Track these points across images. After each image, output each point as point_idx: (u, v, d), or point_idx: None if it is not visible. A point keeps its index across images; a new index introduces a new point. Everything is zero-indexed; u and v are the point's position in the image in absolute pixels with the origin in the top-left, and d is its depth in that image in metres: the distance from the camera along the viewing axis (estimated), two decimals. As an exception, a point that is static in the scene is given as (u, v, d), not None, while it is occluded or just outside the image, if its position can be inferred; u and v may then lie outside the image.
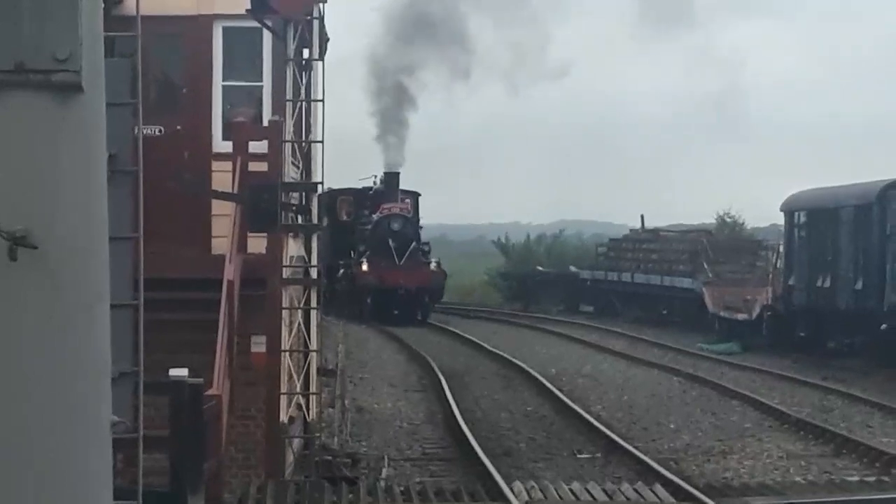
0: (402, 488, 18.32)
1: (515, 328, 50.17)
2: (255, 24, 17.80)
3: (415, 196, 54.96)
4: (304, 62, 15.67)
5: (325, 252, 50.59)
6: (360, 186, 55.51)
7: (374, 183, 54.95)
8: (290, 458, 15.18)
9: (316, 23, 17.71)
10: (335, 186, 53.92)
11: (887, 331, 35.85)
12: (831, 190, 41.92)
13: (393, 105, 60.02)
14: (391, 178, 54.22)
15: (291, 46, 16.37)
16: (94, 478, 7.29)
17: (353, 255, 50.97)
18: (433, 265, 51.18)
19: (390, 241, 49.02)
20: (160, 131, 18.29)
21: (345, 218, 54.01)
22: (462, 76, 64.36)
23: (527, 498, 16.68)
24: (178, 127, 18.40)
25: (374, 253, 49.14)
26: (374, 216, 50.88)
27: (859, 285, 38.09)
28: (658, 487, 18.13)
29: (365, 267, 48.98)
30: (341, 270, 51.24)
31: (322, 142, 14.83)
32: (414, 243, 49.93)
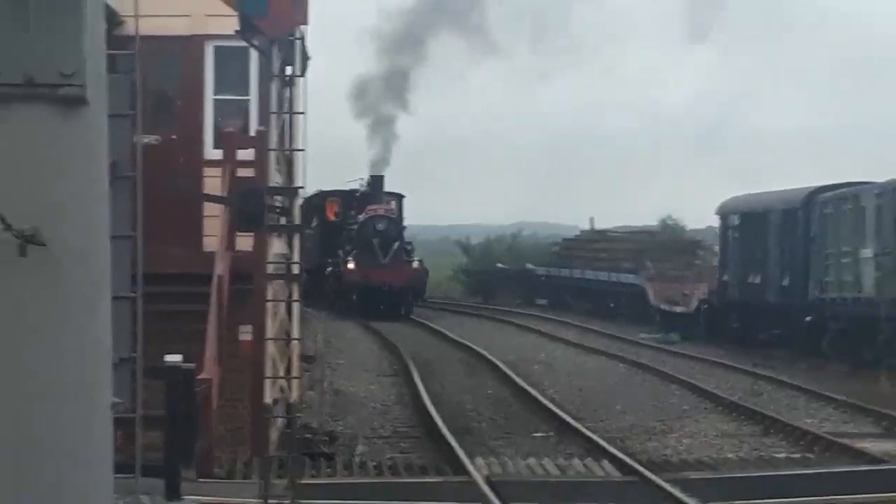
0: (374, 463, 18.32)
1: (477, 319, 50.13)
2: (243, 43, 17.78)
3: (399, 197, 54.28)
4: (287, 78, 15.62)
5: (314, 250, 50.51)
6: (347, 188, 54.70)
7: (361, 185, 54.37)
8: (273, 436, 15.16)
9: (298, 42, 17.68)
10: (325, 188, 54.00)
11: (810, 323, 36.08)
12: (761, 196, 42.08)
13: (379, 120, 60.05)
14: (376, 180, 53.89)
15: (276, 64, 16.33)
16: (96, 453, 7.26)
17: (340, 253, 50.13)
18: (416, 264, 50.48)
19: (375, 241, 48.37)
20: (157, 140, 18.24)
21: (333, 218, 53.16)
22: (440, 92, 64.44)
23: (487, 472, 16.66)
24: (174, 136, 18.38)
25: (360, 252, 48.36)
26: (360, 217, 50.19)
27: (786, 282, 38.29)
28: (605, 463, 18.17)
29: (351, 265, 48.29)
30: (329, 268, 50.77)
31: (303, 150, 14.79)
32: (397, 243, 49.31)
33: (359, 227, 49.67)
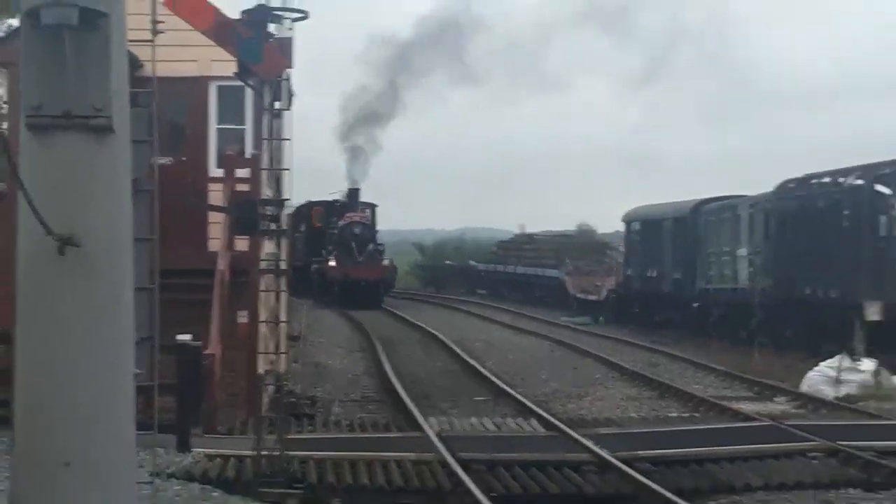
0: (347, 422, 18.31)
1: (431, 306, 50.12)
2: (240, 83, 17.72)
3: (373, 207, 53.73)
4: (275, 111, 15.56)
5: (302, 250, 50.69)
6: (330, 199, 54.16)
7: (341, 196, 53.86)
8: (265, 400, 15.09)
9: (285, 83, 17.63)
10: (312, 199, 53.98)
11: (697, 308, 36.38)
12: (658, 206, 42.29)
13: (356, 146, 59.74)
14: (353, 192, 53.35)
15: (267, 100, 16.27)
16: (121, 414, 7.25)
17: (324, 253, 49.81)
18: (386, 262, 50.11)
19: (352, 243, 48.16)
20: (170, 161, 18.18)
21: (318, 224, 52.66)
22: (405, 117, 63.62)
23: (438, 429, 16.68)
24: (184, 158, 18.31)
25: (340, 252, 48.11)
26: (340, 223, 49.93)
27: (678, 275, 38.55)
28: (533, 421, 18.22)
29: (332, 263, 47.95)
30: (314, 265, 50.28)
31: (288, 169, 14.72)
32: (371, 244, 49.12)
33: (339, 231, 49.39)
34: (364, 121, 59.08)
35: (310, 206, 53.37)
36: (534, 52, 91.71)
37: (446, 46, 58.05)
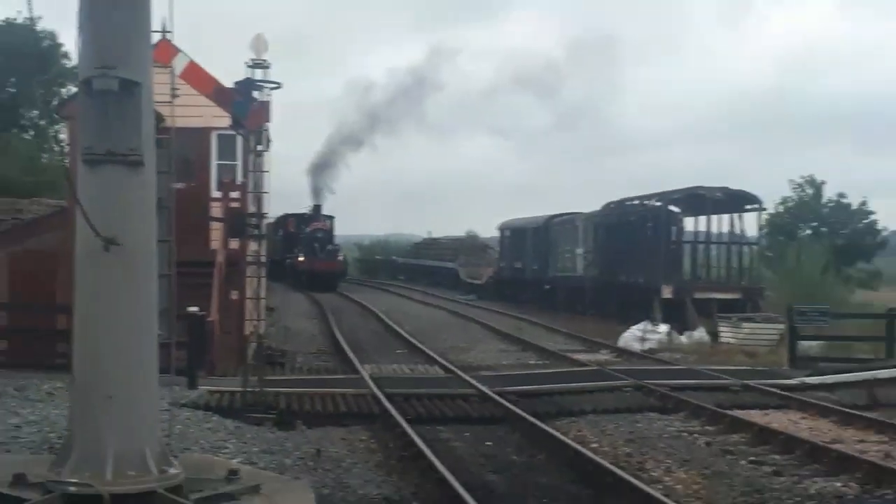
0: (308, 367, 18.25)
1: (367, 288, 49.72)
2: (233, 132, 17.57)
3: (331, 218, 52.37)
4: (258, 152, 15.43)
5: (279, 249, 49.48)
6: (300, 212, 52.52)
7: (308, 210, 52.63)
8: (249, 352, 14.97)
9: (265, 132, 17.53)
10: (288, 212, 52.69)
11: (548, 290, 36.69)
12: (522, 219, 42.53)
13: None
14: (316, 208, 52.59)
15: (252, 144, 16.14)
16: (148, 361, 7.19)
17: (295, 251, 48.60)
18: (341, 257, 49.06)
19: (315, 244, 46.99)
20: (183, 186, 17.94)
21: (291, 230, 51.20)
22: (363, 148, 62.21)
23: (370, 372, 16.68)
24: (192, 184, 18.03)
25: (307, 251, 47.03)
26: (307, 229, 48.77)
27: (535, 267, 38.84)
28: (436, 367, 18.29)
29: (301, 258, 47.01)
30: (287, 260, 49.18)
31: (268, 192, 14.60)
32: (329, 245, 47.79)
33: (306, 235, 48.38)
34: (342, 141, 58.62)
35: (286, 216, 52.22)
36: (477, 105, 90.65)
37: (411, 100, 57.79)
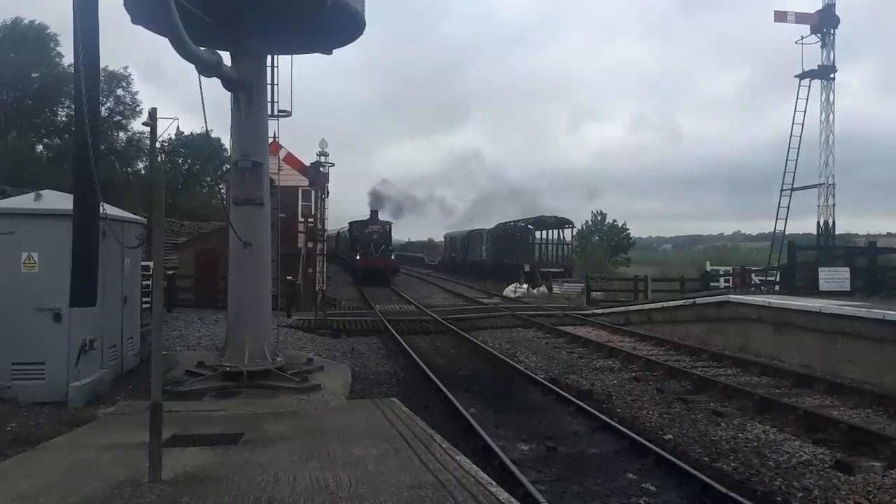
0: (348, 307, 17.91)
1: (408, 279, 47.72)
2: (310, 188, 17.26)
3: (389, 223, 36.45)
4: (322, 198, 15.17)
5: (347, 249, 38.98)
6: (362, 219, 37.65)
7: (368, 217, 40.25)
8: (318, 300, 14.75)
9: (327, 185, 17.30)
10: (354, 219, 41.03)
11: (468, 267, 36.11)
12: (456, 231, 42.05)
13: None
14: (374, 214, 36.76)
15: (319, 193, 15.90)
16: (266, 304, 7.09)
17: (357, 250, 35.17)
18: (393, 257, 34.30)
19: (371, 245, 33.52)
20: (284, 216, 17.47)
21: (355, 234, 36.98)
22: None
23: (379, 309, 16.45)
24: (284, 215, 17.56)
25: (364, 251, 33.73)
26: (365, 232, 35.10)
27: (463, 255, 38.43)
28: (412, 305, 17.90)
29: (359, 257, 34.02)
30: (351, 258, 37.29)
31: (328, 219, 14.32)
32: (384, 245, 33.56)
33: (363, 237, 35.13)
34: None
35: (352, 224, 39.29)
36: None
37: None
